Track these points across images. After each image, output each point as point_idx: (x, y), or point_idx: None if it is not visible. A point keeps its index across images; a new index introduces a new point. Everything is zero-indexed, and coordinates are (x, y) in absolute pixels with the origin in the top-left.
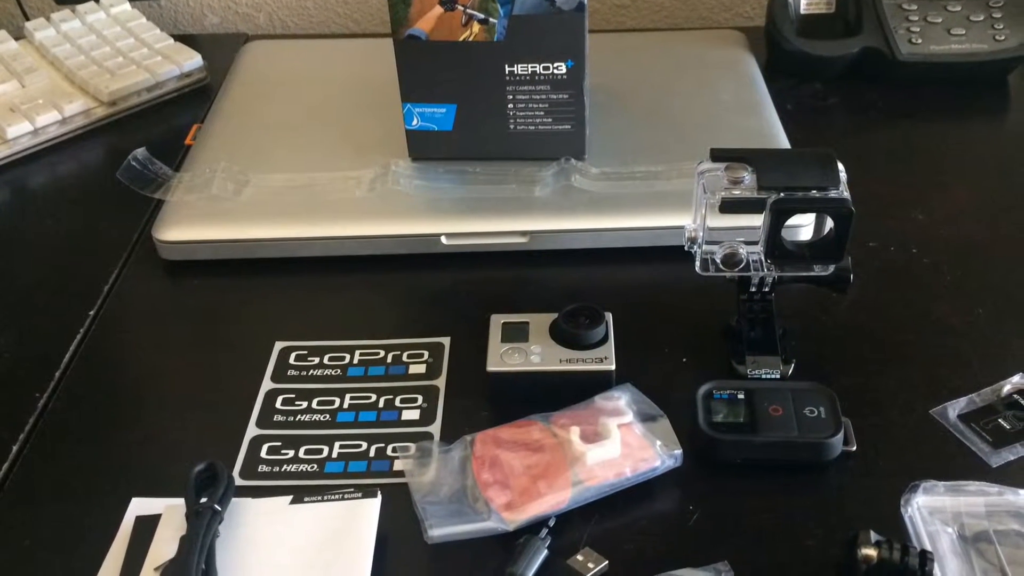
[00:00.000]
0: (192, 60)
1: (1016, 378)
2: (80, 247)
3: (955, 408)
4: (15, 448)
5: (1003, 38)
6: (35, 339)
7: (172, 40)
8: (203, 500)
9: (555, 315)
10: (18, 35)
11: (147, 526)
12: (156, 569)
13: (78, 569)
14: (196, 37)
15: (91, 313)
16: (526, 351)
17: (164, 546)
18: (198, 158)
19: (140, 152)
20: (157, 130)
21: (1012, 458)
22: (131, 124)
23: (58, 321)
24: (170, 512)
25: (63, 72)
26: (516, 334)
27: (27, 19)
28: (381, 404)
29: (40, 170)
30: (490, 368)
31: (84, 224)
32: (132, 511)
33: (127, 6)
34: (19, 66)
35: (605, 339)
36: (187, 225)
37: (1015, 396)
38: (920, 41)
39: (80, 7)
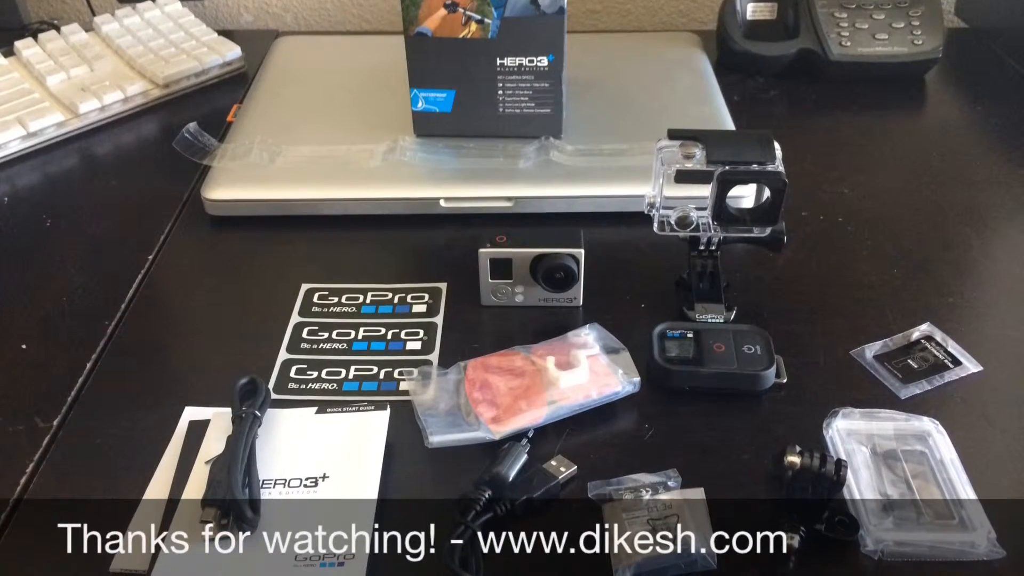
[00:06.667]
0: (232, 51)
1: (924, 326)
2: (140, 204)
3: (871, 350)
4: (88, 366)
5: (920, 43)
6: (104, 278)
7: (215, 34)
8: (245, 407)
9: (533, 251)
10: (87, 28)
11: (198, 429)
12: (207, 462)
13: (142, 462)
14: (234, 32)
15: (149, 258)
16: (511, 291)
17: (213, 444)
18: (238, 132)
19: (192, 125)
20: (203, 109)
21: (918, 392)
22: (181, 104)
23: (122, 264)
24: (218, 418)
25: (125, 59)
26: (502, 269)
27: (94, 15)
28: (389, 336)
29: (106, 140)
30: (484, 303)
31: (143, 185)
32: (186, 417)
33: (178, 5)
34: (89, 53)
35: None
36: (229, 186)
37: (922, 341)
38: (849, 44)
39: (139, 5)
